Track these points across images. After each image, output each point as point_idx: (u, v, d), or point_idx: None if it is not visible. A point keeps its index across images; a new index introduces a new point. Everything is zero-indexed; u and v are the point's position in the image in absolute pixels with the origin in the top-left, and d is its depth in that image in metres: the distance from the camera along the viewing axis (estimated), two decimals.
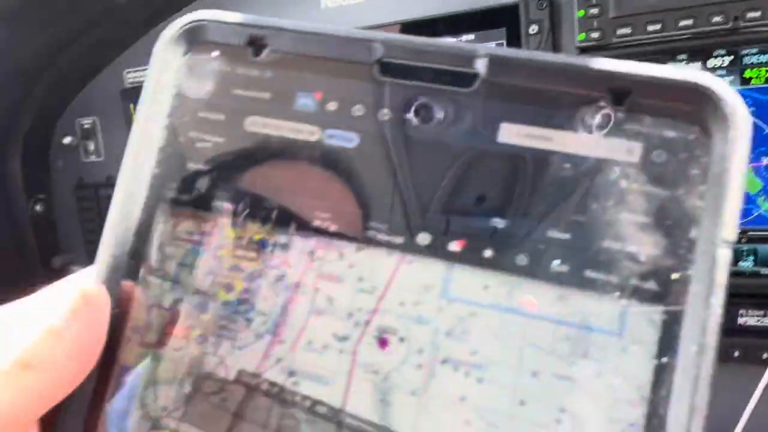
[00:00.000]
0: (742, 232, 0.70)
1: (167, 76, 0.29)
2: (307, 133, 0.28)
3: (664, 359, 0.22)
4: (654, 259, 0.23)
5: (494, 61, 0.25)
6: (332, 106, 0.27)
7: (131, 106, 1.01)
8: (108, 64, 1.02)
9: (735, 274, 0.71)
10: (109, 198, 0.92)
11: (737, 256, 0.70)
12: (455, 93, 0.26)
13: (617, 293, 0.23)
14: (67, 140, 1.05)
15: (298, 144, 0.28)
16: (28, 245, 1.04)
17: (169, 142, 0.29)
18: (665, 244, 0.23)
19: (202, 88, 0.29)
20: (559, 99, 0.24)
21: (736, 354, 0.70)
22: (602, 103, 0.24)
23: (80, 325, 0.26)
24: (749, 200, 0.69)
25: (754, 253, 0.70)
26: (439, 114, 0.26)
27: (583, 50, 0.74)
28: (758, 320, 0.69)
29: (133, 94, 1.01)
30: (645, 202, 0.23)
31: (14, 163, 1.02)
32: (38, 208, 1.06)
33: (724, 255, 0.22)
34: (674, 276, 0.23)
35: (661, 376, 0.22)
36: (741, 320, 0.70)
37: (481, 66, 0.25)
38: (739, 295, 0.71)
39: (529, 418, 0.24)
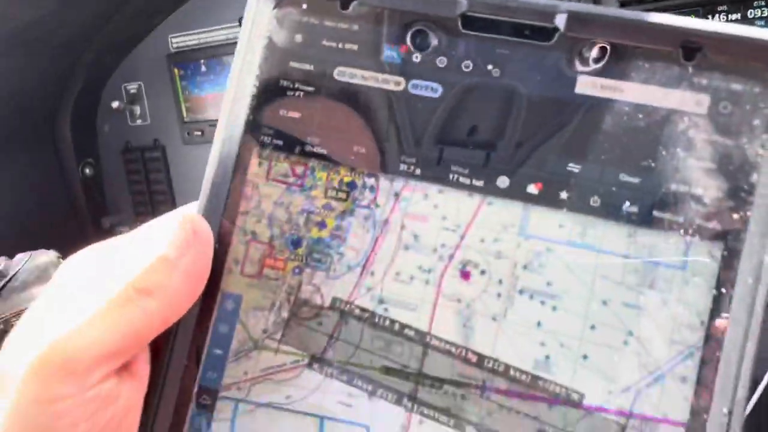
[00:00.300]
0: None
1: (259, 28, 0.32)
2: (393, 83, 0.30)
3: (723, 290, 0.25)
4: (717, 201, 0.26)
5: (573, 17, 0.27)
6: (417, 57, 0.30)
7: (176, 70, 1.04)
8: (153, 29, 1.05)
9: None
10: (154, 160, 0.97)
11: None
12: (536, 46, 0.28)
13: (682, 231, 0.26)
14: (115, 104, 1.08)
15: (384, 93, 0.30)
16: (80, 207, 1.08)
17: (262, 91, 0.32)
18: (728, 187, 0.25)
19: (292, 40, 0.32)
20: (633, 53, 0.27)
21: None
22: (674, 58, 0.26)
23: (191, 255, 0.29)
24: None
25: None
26: (520, 66, 0.28)
27: (623, 4, 0.75)
28: None
29: (177, 58, 1.04)
30: (711, 149, 0.26)
31: (65, 129, 1.06)
32: (88, 171, 1.09)
33: None
34: (735, 216, 0.25)
35: (719, 305, 0.25)
36: None
37: (560, 21, 0.28)
38: None
39: (598, 341, 0.26)
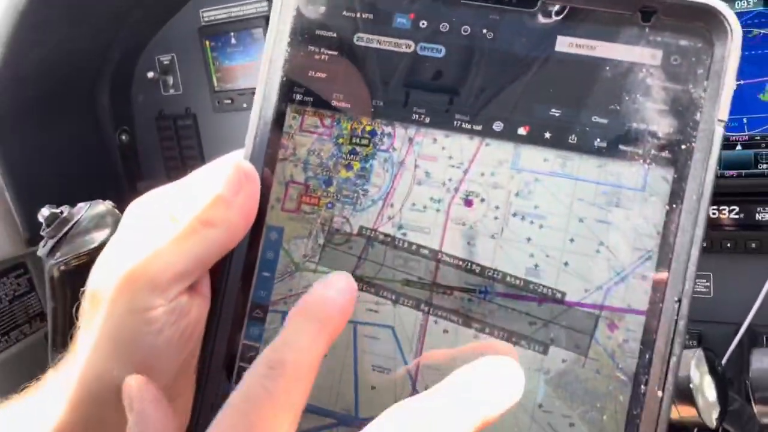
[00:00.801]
0: (762, 138, 0.78)
1: (289, 2, 0.37)
2: (404, 46, 0.36)
3: (674, 206, 0.31)
4: (669, 135, 0.32)
5: None
6: (423, 24, 0.36)
7: (207, 42, 1.09)
8: (185, 4, 1.10)
9: (754, 176, 0.81)
10: (186, 128, 1.04)
11: (756, 160, 0.78)
12: (522, 12, 0.34)
13: (642, 161, 0.32)
14: (149, 75, 1.14)
15: (396, 54, 0.36)
16: (117, 172, 1.15)
17: (293, 55, 0.38)
18: (677, 124, 0.31)
19: (317, 11, 0.37)
20: (601, 16, 0.33)
21: (753, 245, 0.79)
22: (634, 20, 0.32)
23: (243, 194, 0.35)
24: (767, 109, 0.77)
25: None
26: (509, 29, 0.34)
27: None
28: None
29: (208, 31, 1.09)
30: (664, 94, 0.32)
31: (103, 97, 1.12)
32: (124, 138, 1.16)
33: (719, 130, 0.31)
34: (683, 147, 0.31)
35: (671, 216, 0.31)
36: (758, 216, 0.79)
37: None
38: (758, 194, 0.80)
39: (576, 251, 0.33)
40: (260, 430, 0.25)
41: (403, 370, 0.34)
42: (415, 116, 0.36)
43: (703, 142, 0.31)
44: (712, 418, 0.46)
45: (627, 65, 0.32)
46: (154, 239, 0.34)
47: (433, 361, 0.34)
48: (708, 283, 0.88)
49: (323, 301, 0.29)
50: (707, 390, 0.46)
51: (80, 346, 0.35)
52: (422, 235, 0.35)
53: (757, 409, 0.50)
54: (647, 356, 0.31)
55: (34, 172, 0.98)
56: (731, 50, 0.31)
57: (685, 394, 0.44)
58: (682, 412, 0.44)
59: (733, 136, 0.81)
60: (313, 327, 0.28)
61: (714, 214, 0.83)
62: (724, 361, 0.78)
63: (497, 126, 0.34)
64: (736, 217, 0.81)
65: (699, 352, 0.46)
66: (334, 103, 0.37)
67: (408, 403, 0.27)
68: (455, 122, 0.35)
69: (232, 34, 1.07)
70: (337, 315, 0.29)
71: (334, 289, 0.29)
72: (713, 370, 0.47)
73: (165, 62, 1.14)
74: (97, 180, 1.12)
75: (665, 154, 0.32)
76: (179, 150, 1.16)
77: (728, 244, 0.82)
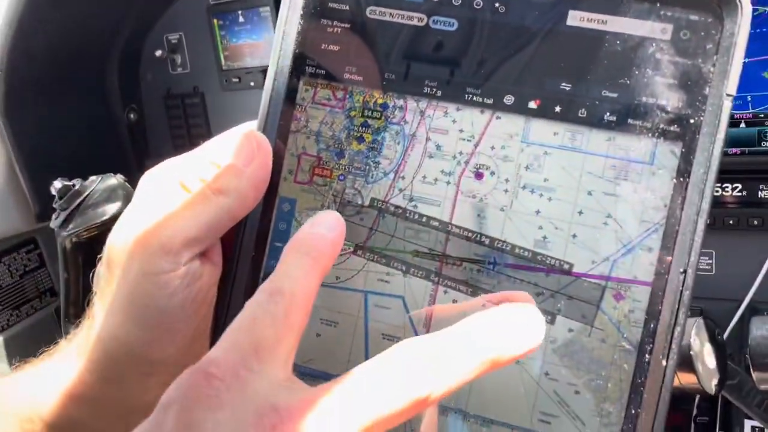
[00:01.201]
0: (766, 116, 0.78)
1: None
2: (416, 19, 0.37)
3: (681, 179, 0.32)
4: (678, 110, 0.32)
5: None
6: None
7: (215, 20, 1.09)
8: None
9: (758, 153, 0.81)
10: (194, 106, 1.04)
11: (760, 137, 0.79)
12: None
13: (650, 134, 0.32)
14: (158, 53, 1.14)
15: (409, 28, 0.37)
16: (126, 149, 1.16)
17: (306, 28, 0.38)
18: (686, 98, 0.32)
19: None
20: None
21: (756, 223, 0.80)
22: None
23: (255, 164, 0.36)
24: None
25: None
26: (521, 3, 0.35)
27: None
28: None
29: (216, 9, 1.09)
30: (673, 68, 0.32)
31: (113, 76, 1.12)
32: (132, 116, 1.17)
33: (727, 105, 0.31)
34: (691, 121, 0.32)
35: (678, 190, 0.32)
36: (761, 194, 0.80)
37: None
38: (761, 172, 0.81)
39: (584, 223, 0.33)
40: (263, 346, 0.26)
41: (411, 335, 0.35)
42: (426, 89, 0.36)
43: (712, 116, 0.31)
44: (711, 384, 0.47)
45: (637, 39, 0.33)
46: (166, 206, 0.35)
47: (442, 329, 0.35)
48: (710, 260, 0.89)
49: (313, 237, 0.30)
50: (707, 358, 0.47)
51: (97, 310, 0.36)
52: (433, 207, 0.36)
53: (755, 375, 0.51)
54: (652, 326, 0.32)
55: (43, 148, 0.99)
56: (741, 25, 0.31)
57: (685, 361, 0.45)
58: (682, 379, 0.45)
59: (737, 113, 0.81)
60: (306, 261, 0.29)
61: (717, 191, 0.83)
62: (725, 336, 0.79)
63: (508, 99, 0.35)
64: (739, 194, 0.82)
65: (699, 321, 0.47)
66: (346, 75, 0.37)
67: (420, 337, 0.28)
68: (466, 95, 0.35)
69: (240, 12, 1.07)
70: (328, 249, 0.30)
71: (323, 226, 0.30)
72: (713, 339, 0.47)
73: (173, 41, 1.15)
74: (105, 158, 1.13)
75: (674, 128, 0.32)
76: (187, 129, 1.17)
77: (730, 222, 0.83)
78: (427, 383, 0.26)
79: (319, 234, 0.30)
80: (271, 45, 0.38)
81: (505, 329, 0.28)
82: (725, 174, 0.83)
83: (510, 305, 0.29)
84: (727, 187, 0.82)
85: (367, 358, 0.36)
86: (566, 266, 0.33)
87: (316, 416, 0.25)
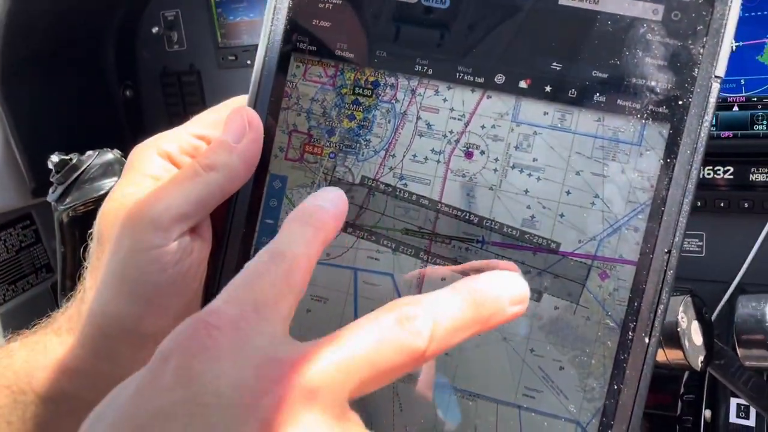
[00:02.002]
0: (758, 99, 0.78)
1: None
2: None
3: (668, 160, 0.32)
4: (667, 91, 0.32)
5: None
6: None
7: None
8: None
9: (749, 137, 0.81)
10: (190, 84, 1.04)
11: (752, 121, 0.79)
12: None
13: (639, 115, 0.33)
14: (154, 29, 1.14)
15: (401, 5, 0.37)
16: (122, 126, 1.16)
17: (298, 3, 0.38)
18: (675, 80, 0.32)
19: None
20: None
21: (746, 205, 0.81)
22: None
23: (246, 141, 0.36)
24: (765, 71, 0.78)
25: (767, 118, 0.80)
26: None
27: None
28: (766, 177, 0.80)
29: None
30: (663, 49, 0.32)
31: (109, 53, 1.12)
32: (128, 93, 1.16)
33: (716, 87, 0.32)
34: (680, 102, 0.32)
35: (665, 171, 0.32)
36: (752, 176, 0.80)
37: None
38: (752, 155, 0.82)
39: (572, 203, 0.34)
40: (262, 302, 0.26)
41: None
42: (417, 68, 0.36)
43: (700, 98, 0.32)
44: (697, 361, 0.48)
45: (629, 20, 0.33)
46: (156, 181, 0.35)
47: None
48: (700, 242, 0.90)
49: (316, 209, 0.30)
50: (694, 335, 0.47)
51: (88, 284, 0.36)
52: (423, 185, 0.36)
53: (740, 352, 0.52)
54: (636, 304, 0.32)
55: (40, 124, 0.99)
56: (731, 7, 0.31)
57: (672, 337, 0.45)
58: (669, 355, 0.46)
59: (730, 97, 0.81)
60: (308, 230, 0.29)
61: (708, 174, 0.84)
62: (714, 317, 0.80)
63: (499, 78, 0.35)
64: (730, 177, 0.82)
65: (687, 299, 0.47)
66: (337, 52, 0.38)
67: (416, 295, 0.28)
68: (458, 74, 0.36)
69: None
70: (331, 221, 0.30)
71: (326, 201, 0.30)
72: (700, 316, 0.48)
73: (170, 18, 1.14)
74: (101, 134, 1.12)
75: (662, 109, 0.32)
76: (183, 106, 1.17)
77: (721, 204, 0.83)
78: (422, 334, 0.26)
79: (321, 206, 0.30)
80: None
81: (495, 287, 0.29)
82: (717, 157, 0.84)
83: (498, 271, 0.30)
84: (718, 169, 0.83)
85: None
86: (553, 245, 0.34)
87: (317, 368, 0.24)
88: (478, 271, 0.31)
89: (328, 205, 0.30)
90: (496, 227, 0.35)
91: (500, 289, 0.29)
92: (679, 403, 0.80)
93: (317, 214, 0.30)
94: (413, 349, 0.26)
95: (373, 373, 0.25)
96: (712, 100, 0.32)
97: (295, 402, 0.24)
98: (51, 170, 0.70)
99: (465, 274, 0.35)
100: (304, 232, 0.29)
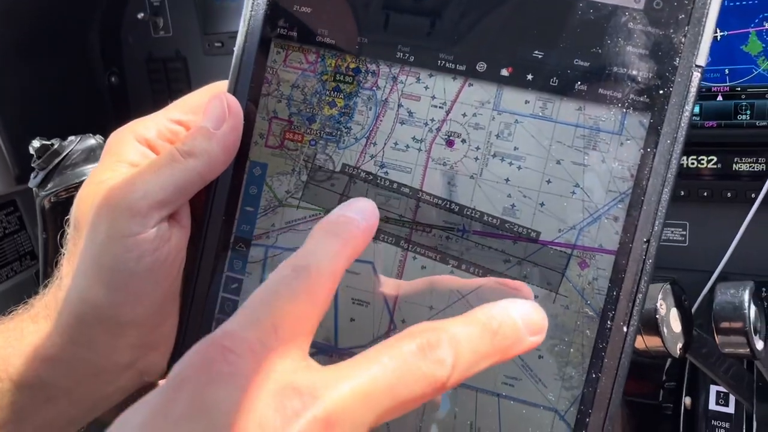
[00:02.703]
0: (742, 89, 0.79)
1: None
2: None
3: (648, 149, 0.32)
4: (648, 80, 0.32)
5: None
6: None
7: None
8: None
9: (733, 126, 0.81)
10: (176, 71, 1.03)
11: (736, 111, 0.79)
12: None
13: (620, 104, 0.33)
14: (140, 15, 1.12)
15: None
16: (107, 113, 1.15)
17: None
18: (656, 69, 0.32)
19: None
20: None
21: (729, 195, 0.81)
22: None
23: (226, 127, 0.36)
24: (750, 60, 0.78)
25: (751, 107, 0.80)
26: None
27: None
28: (750, 166, 0.80)
29: None
30: (645, 38, 0.32)
31: (94, 39, 1.11)
32: (114, 79, 1.15)
33: (697, 76, 0.31)
34: (660, 92, 0.32)
35: (645, 160, 0.32)
36: (735, 166, 0.81)
37: None
38: (736, 144, 0.82)
39: (553, 192, 0.33)
40: (282, 323, 0.25)
41: (382, 304, 0.35)
42: (399, 54, 0.36)
43: (681, 87, 0.32)
44: (676, 348, 0.48)
45: (611, 8, 0.33)
46: (134, 167, 0.35)
47: (410, 295, 0.35)
48: (684, 232, 0.90)
49: (346, 221, 0.29)
50: (673, 322, 0.48)
51: (65, 271, 0.36)
52: (404, 174, 0.36)
53: (718, 339, 0.52)
54: (615, 294, 0.32)
55: (24, 111, 0.98)
56: None
57: (651, 324, 0.45)
58: (648, 342, 0.46)
59: (714, 86, 0.81)
60: (336, 242, 0.28)
61: (692, 163, 0.84)
62: (696, 306, 0.80)
63: (480, 66, 0.35)
64: (714, 167, 0.82)
65: (666, 286, 0.48)
66: (318, 38, 0.37)
67: (437, 321, 0.27)
68: (439, 62, 0.35)
69: None
70: (360, 234, 0.29)
71: (357, 211, 0.29)
72: (680, 304, 0.48)
73: (155, 3, 1.13)
74: (86, 121, 1.11)
75: (643, 98, 0.32)
76: (169, 93, 1.16)
77: (705, 193, 0.84)
78: (446, 363, 0.25)
79: (352, 218, 0.29)
80: None
81: (514, 316, 0.28)
82: (701, 146, 0.84)
83: (516, 299, 0.29)
84: (702, 159, 0.83)
85: (336, 321, 0.36)
86: (533, 234, 0.34)
87: (338, 399, 0.24)
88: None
89: (359, 216, 0.29)
90: (476, 216, 0.34)
91: (519, 319, 0.28)
92: (661, 391, 0.81)
93: (347, 225, 0.28)
94: (436, 379, 0.25)
95: (394, 403, 0.25)
96: (693, 89, 0.32)
97: None
98: (32, 155, 0.70)
99: (444, 260, 0.35)
100: (331, 243, 0.28)
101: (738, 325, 0.52)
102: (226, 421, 0.22)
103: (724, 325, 0.52)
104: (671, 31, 0.32)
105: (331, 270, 0.27)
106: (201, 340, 0.24)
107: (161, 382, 0.39)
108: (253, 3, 0.38)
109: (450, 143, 0.35)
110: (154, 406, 0.23)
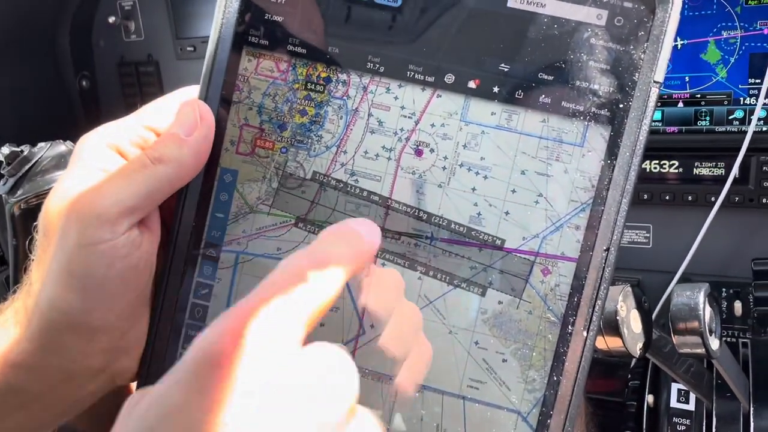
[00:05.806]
0: (702, 96, 0.81)
1: None
2: None
3: (608, 161, 0.33)
4: (608, 94, 0.33)
5: None
6: None
7: None
8: None
9: (694, 132, 0.84)
10: (148, 75, 1.03)
11: (696, 117, 0.82)
12: None
13: (582, 117, 0.34)
14: (111, 19, 1.12)
15: (354, 1, 0.37)
16: (78, 118, 1.14)
17: None
18: (617, 83, 0.33)
19: None
20: None
21: (690, 198, 0.84)
22: None
23: (197, 134, 0.36)
24: (709, 69, 0.80)
25: (711, 113, 0.82)
26: None
27: None
28: (710, 170, 0.83)
29: None
30: (606, 54, 0.33)
31: (64, 42, 1.10)
32: (84, 83, 1.15)
33: (655, 92, 0.33)
34: (621, 106, 0.33)
35: (605, 171, 0.33)
36: (696, 170, 0.83)
37: None
38: (696, 149, 0.85)
39: (517, 201, 0.35)
40: (282, 310, 0.26)
41: (351, 309, 0.36)
42: (369, 65, 0.37)
43: (639, 101, 0.33)
44: (636, 348, 0.50)
45: (574, 24, 0.34)
46: (103, 173, 0.35)
47: (378, 301, 0.36)
48: (648, 234, 0.92)
49: (357, 233, 0.30)
50: (633, 323, 0.49)
51: (34, 277, 0.36)
52: (373, 182, 0.37)
53: (675, 339, 0.54)
54: (576, 300, 0.33)
55: None
56: (672, 14, 0.33)
57: (612, 325, 0.47)
58: (609, 343, 0.47)
59: (675, 93, 0.84)
60: (344, 250, 0.29)
61: (655, 168, 0.86)
62: (659, 307, 0.82)
63: (449, 78, 0.36)
64: (676, 171, 0.85)
65: (626, 288, 0.49)
66: (289, 47, 0.38)
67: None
68: (409, 72, 0.36)
69: None
70: (366, 249, 0.30)
71: (367, 229, 0.30)
72: (640, 305, 0.50)
73: (126, 7, 1.13)
74: (57, 126, 1.11)
75: (604, 111, 0.33)
76: (141, 97, 1.16)
77: (667, 197, 0.86)
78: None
79: (362, 232, 0.30)
80: None
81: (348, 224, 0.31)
82: (663, 151, 0.86)
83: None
84: (664, 164, 0.85)
85: None
86: (498, 242, 0.35)
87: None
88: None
89: (367, 233, 0.30)
90: (444, 224, 0.35)
91: (353, 223, 0.31)
92: (626, 390, 0.83)
93: (357, 236, 0.30)
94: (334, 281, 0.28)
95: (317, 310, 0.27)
96: (651, 104, 0.33)
97: None
98: (1, 162, 0.70)
99: (412, 267, 0.36)
100: (340, 246, 0.29)
101: (693, 325, 0.53)
102: None
103: (681, 326, 0.54)
104: (631, 47, 0.33)
105: (334, 272, 0.28)
106: (189, 350, 0.26)
107: (133, 385, 0.39)
108: (224, 10, 0.38)
109: (419, 153, 0.36)
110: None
